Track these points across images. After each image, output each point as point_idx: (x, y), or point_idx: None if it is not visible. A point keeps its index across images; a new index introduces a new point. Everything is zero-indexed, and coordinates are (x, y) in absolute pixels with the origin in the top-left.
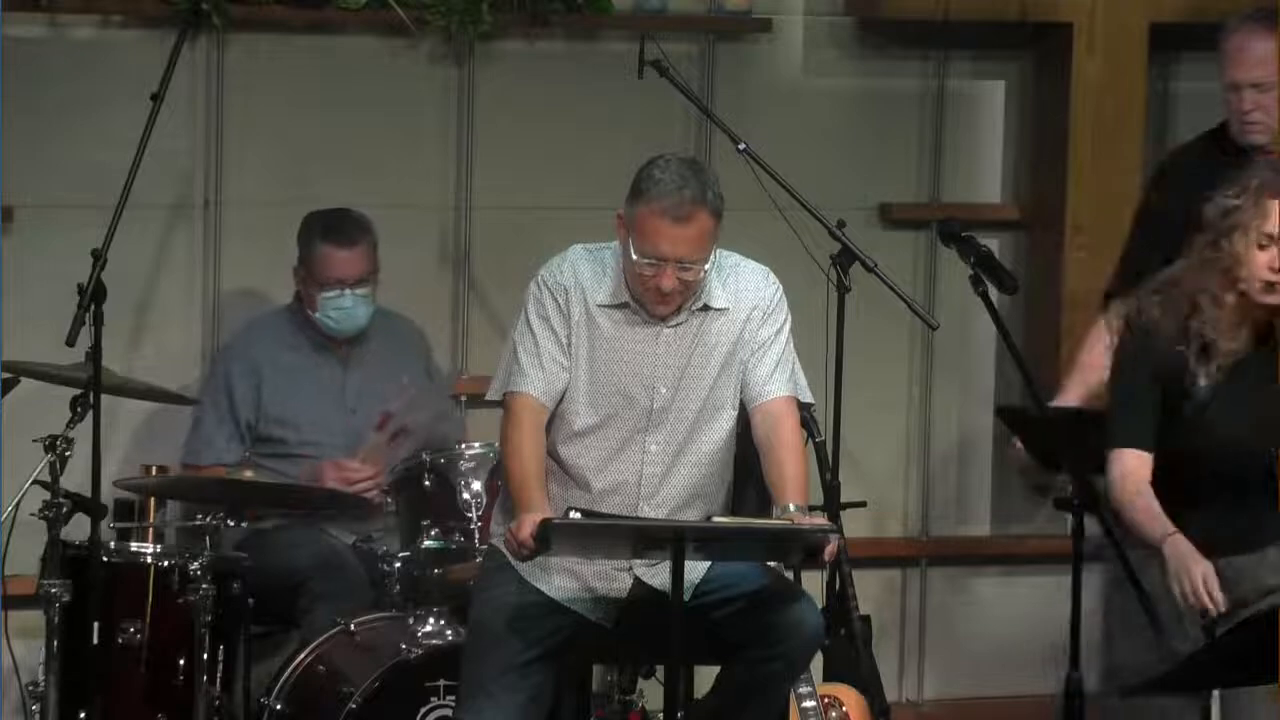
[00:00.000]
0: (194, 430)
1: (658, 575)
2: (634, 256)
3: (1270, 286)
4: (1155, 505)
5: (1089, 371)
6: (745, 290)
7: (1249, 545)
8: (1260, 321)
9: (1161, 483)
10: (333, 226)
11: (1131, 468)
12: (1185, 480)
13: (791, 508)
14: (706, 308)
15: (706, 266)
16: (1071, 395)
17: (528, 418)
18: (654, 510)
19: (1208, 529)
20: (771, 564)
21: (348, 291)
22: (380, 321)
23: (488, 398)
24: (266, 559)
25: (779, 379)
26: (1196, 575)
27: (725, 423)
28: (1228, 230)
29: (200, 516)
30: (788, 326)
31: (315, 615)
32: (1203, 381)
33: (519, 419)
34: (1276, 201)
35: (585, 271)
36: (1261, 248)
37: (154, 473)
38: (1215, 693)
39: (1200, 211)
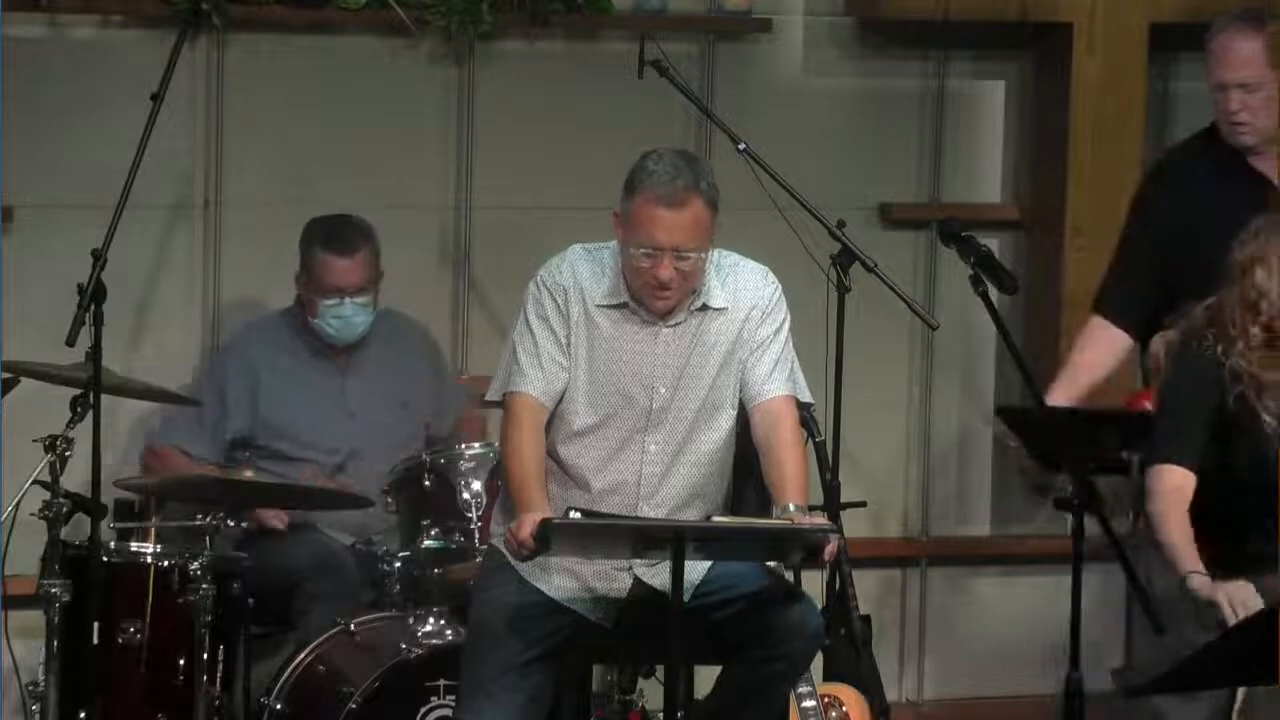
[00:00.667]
0: (168, 416)
1: (658, 575)
2: (631, 248)
3: None
4: (1189, 534)
5: (1081, 371)
6: (744, 290)
7: (1266, 566)
8: None
9: (1202, 497)
10: (333, 235)
11: (1176, 484)
12: (1224, 497)
13: (791, 507)
14: (705, 307)
15: (703, 256)
16: (1060, 394)
17: (527, 418)
18: (654, 510)
19: (1229, 548)
20: (771, 564)
21: (347, 300)
22: (383, 324)
23: (487, 398)
24: (263, 559)
25: (778, 378)
26: (1237, 599)
27: (724, 422)
28: (1249, 264)
29: (200, 516)
30: (787, 326)
31: (311, 616)
32: (1267, 418)
33: (519, 419)
34: None
35: (584, 271)
36: None
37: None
38: (1239, 693)
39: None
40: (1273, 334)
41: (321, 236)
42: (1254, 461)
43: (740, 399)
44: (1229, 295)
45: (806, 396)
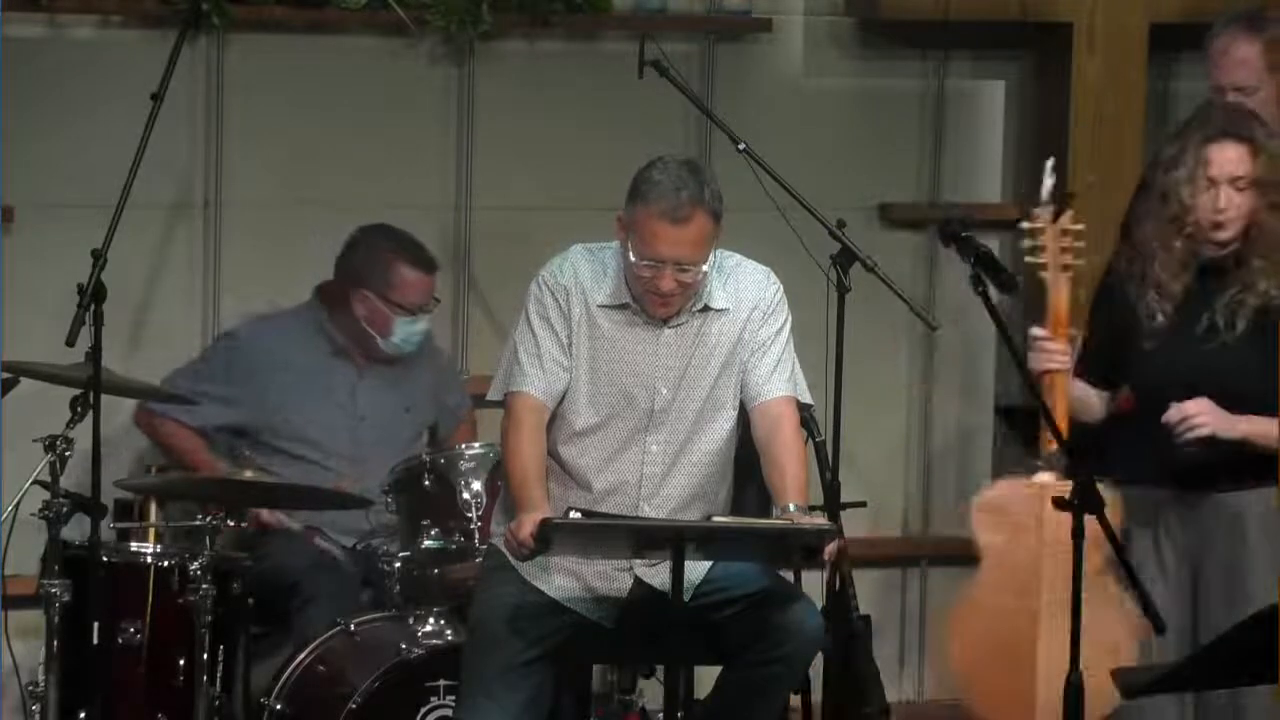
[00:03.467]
0: (180, 382)
1: (658, 575)
2: (633, 258)
3: (1218, 226)
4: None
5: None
6: (746, 290)
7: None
8: (1204, 261)
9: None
10: (416, 251)
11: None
12: (1144, 411)
13: (791, 508)
14: (707, 308)
15: (705, 268)
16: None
17: (528, 417)
18: (654, 510)
19: (1164, 460)
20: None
21: (423, 317)
22: None
23: (488, 398)
24: (263, 559)
25: (779, 379)
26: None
27: (725, 422)
28: (1173, 183)
29: (200, 516)
30: (788, 327)
31: (311, 616)
32: (1160, 319)
33: (520, 419)
34: (1213, 146)
35: (585, 272)
36: (1205, 191)
37: (154, 473)
38: None
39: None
40: (1192, 245)
41: (406, 253)
42: (1155, 373)
43: (740, 399)
44: (1156, 206)
45: (807, 398)
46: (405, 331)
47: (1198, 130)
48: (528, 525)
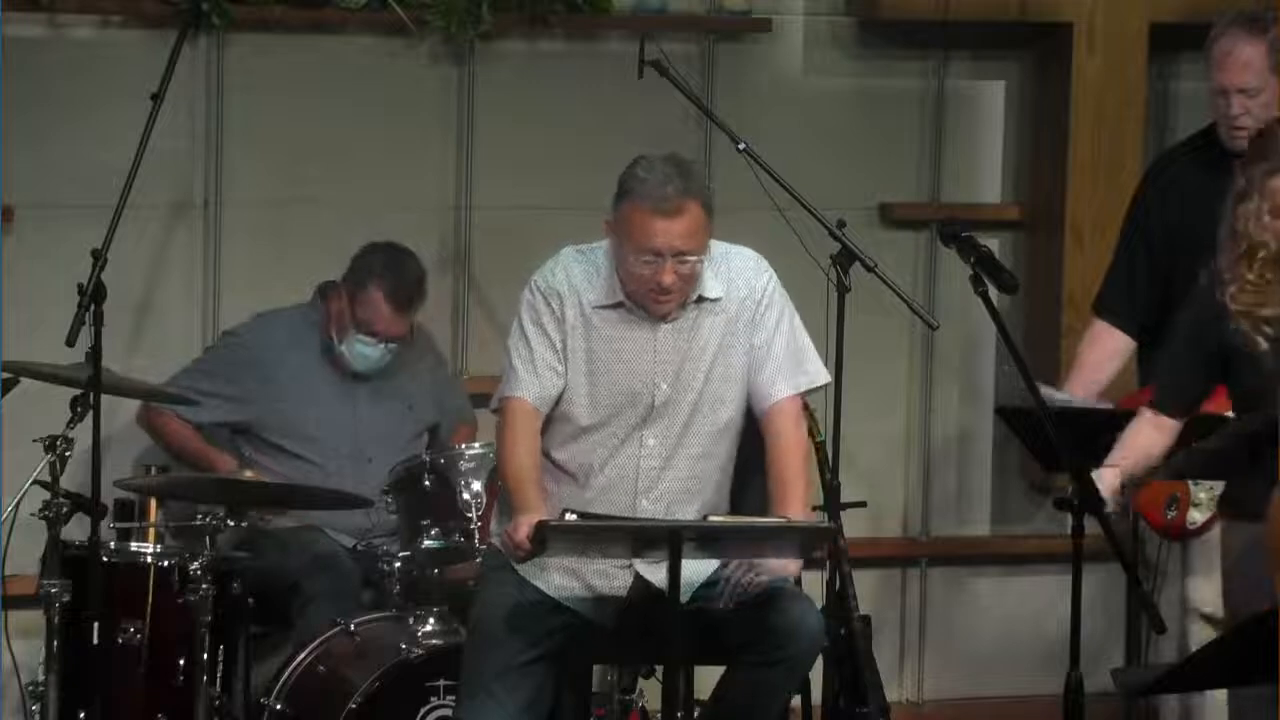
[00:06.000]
0: (185, 382)
1: (659, 572)
2: (630, 257)
3: None
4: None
5: (1085, 373)
6: (737, 278)
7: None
8: None
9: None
10: (399, 285)
11: (1140, 429)
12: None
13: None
14: (701, 299)
15: (702, 259)
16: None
17: (522, 422)
18: (652, 504)
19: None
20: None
21: (382, 345)
22: None
23: (490, 410)
24: (263, 559)
25: (782, 380)
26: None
27: (724, 414)
28: (1242, 219)
29: (200, 516)
30: (787, 313)
31: (311, 616)
32: (1264, 346)
33: (513, 423)
34: (1278, 178)
35: (578, 273)
36: (1274, 217)
37: (154, 473)
38: None
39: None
40: (1264, 279)
41: (385, 279)
42: (1254, 392)
43: (747, 399)
44: (1225, 236)
45: (823, 377)
46: (357, 346)
47: (1264, 163)
48: (524, 527)
